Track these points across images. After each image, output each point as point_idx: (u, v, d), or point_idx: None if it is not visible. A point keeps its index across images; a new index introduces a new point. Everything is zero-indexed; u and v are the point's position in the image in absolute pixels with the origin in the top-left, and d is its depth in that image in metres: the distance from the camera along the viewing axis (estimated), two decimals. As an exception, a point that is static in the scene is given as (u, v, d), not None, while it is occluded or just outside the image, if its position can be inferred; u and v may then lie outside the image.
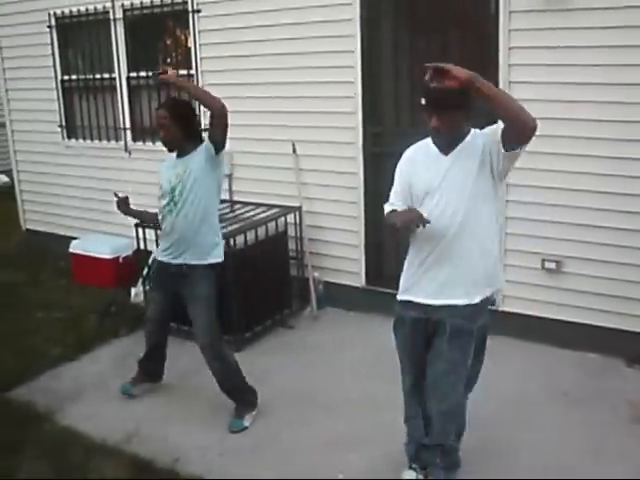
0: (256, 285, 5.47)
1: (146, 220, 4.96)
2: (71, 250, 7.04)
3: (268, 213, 5.83)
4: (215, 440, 4.21)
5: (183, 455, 4.04)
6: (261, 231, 5.57)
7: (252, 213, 5.86)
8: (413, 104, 5.52)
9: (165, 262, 4.42)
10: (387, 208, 3.53)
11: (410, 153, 3.47)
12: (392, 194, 3.52)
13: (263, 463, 3.98)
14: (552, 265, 5.02)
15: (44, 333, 5.77)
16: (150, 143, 6.88)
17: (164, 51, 7.01)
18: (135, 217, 4.89)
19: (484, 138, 3.14)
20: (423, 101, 3.14)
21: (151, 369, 4.81)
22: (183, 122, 4.25)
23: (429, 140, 3.31)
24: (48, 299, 6.55)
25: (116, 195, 4.61)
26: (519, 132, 2.99)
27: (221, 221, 5.57)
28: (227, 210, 6.05)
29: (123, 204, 4.60)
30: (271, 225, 5.70)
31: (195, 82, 6.39)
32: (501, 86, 4.91)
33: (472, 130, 3.22)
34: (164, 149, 4.37)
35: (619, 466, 3.77)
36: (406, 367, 3.52)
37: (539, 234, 4.98)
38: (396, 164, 5.66)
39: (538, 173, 4.94)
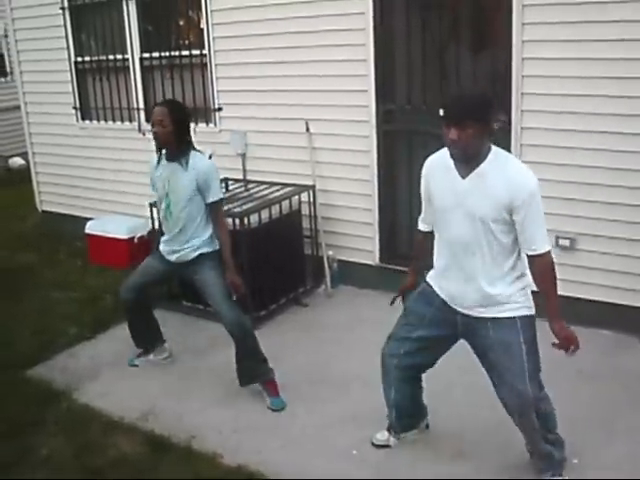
0: (270, 263, 5.50)
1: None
2: (87, 231, 7.08)
3: (282, 192, 5.84)
4: (230, 417, 4.26)
5: (199, 432, 4.08)
6: (275, 210, 5.59)
7: (266, 192, 5.87)
8: (425, 81, 5.52)
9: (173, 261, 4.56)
10: (419, 224, 3.65)
11: (431, 164, 3.41)
12: (423, 206, 3.58)
13: (278, 440, 4.02)
14: (566, 242, 5.01)
15: (61, 313, 5.83)
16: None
17: (177, 31, 7.00)
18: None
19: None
20: (442, 112, 3.08)
21: (147, 340, 4.96)
22: (179, 123, 4.31)
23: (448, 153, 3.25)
24: (65, 279, 6.62)
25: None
26: None
27: (235, 200, 5.63)
28: (241, 189, 6.07)
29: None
30: (285, 204, 5.71)
31: (208, 62, 6.41)
32: (514, 51, 4.90)
33: (492, 150, 3.16)
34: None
35: (631, 443, 3.79)
36: None
37: (553, 211, 4.93)
38: (409, 142, 5.73)
39: (551, 150, 4.93)
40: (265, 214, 5.49)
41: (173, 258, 4.51)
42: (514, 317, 3.27)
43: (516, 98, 4.98)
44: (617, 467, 3.59)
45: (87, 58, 7.50)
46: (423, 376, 3.75)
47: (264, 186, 6.00)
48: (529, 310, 3.32)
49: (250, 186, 6.11)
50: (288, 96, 6.05)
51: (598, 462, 3.62)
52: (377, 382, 4.42)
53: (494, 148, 3.17)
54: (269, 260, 5.49)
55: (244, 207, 5.44)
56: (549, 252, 3.16)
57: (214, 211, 4.42)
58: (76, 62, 7.56)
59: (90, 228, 7.09)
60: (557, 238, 5.00)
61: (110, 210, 7.51)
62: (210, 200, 4.36)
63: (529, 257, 3.18)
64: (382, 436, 3.91)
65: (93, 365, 4.99)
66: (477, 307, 3.31)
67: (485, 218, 3.15)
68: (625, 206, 4.77)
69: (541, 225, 3.14)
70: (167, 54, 6.79)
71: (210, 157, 6.01)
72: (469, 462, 3.71)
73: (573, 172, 4.89)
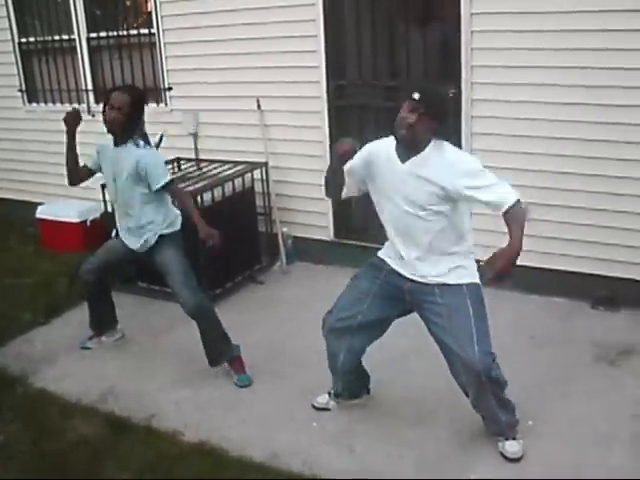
0: (225, 242, 5.46)
1: (70, 168, 4.74)
2: (38, 215, 6.98)
3: (234, 170, 5.81)
4: (190, 396, 4.26)
5: (159, 411, 4.08)
6: (228, 188, 5.58)
7: (218, 170, 5.84)
8: (375, 56, 5.53)
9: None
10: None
11: (378, 147, 3.47)
12: (350, 165, 3.57)
13: (239, 416, 4.03)
14: (517, 212, 5.07)
15: (14, 299, 5.73)
16: (113, 104, 6.79)
17: (124, 10, 6.89)
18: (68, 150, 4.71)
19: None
20: (416, 96, 3.15)
21: (104, 322, 4.93)
22: (135, 112, 4.26)
23: (392, 141, 3.34)
24: (17, 265, 6.50)
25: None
26: None
27: (187, 179, 5.59)
28: (193, 168, 6.03)
29: (73, 118, 4.59)
30: (238, 182, 5.70)
31: (157, 42, 6.34)
32: (462, 23, 4.94)
33: (432, 142, 3.26)
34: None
35: (584, 404, 3.88)
36: None
37: (504, 182, 5.02)
38: (360, 117, 5.73)
39: (501, 121, 4.98)
40: (218, 192, 5.47)
41: (137, 246, 4.45)
42: (460, 284, 3.38)
43: (466, 70, 5.02)
44: (572, 428, 3.68)
45: (32, 39, 7.34)
46: (377, 344, 3.78)
47: (216, 164, 5.97)
48: (474, 278, 3.42)
49: (202, 165, 6.08)
50: (238, 74, 6.01)
51: (553, 424, 3.71)
52: (335, 355, 4.46)
53: (434, 139, 3.28)
54: (223, 238, 5.45)
55: (196, 186, 5.41)
56: (518, 201, 3.12)
57: (167, 193, 4.38)
58: (20, 43, 7.40)
59: (41, 213, 6.98)
60: (509, 208, 5.05)
61: (61, 194, 7.37)
62: (154, 188, 4.26)
63: (504, 214, 3.13)
64: (322, 399, 4.06)
65: (48, 350, 4.92)
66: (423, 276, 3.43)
67: (423, 203, 3.27)
68: (576, 175, 4.84)
69: (499, 184, 3.18)
70: (115, 34, 6.69)
71: (161, 137, 5.94)
72: (427, 429, 3.76)
73: (523, 142, 4.95)
